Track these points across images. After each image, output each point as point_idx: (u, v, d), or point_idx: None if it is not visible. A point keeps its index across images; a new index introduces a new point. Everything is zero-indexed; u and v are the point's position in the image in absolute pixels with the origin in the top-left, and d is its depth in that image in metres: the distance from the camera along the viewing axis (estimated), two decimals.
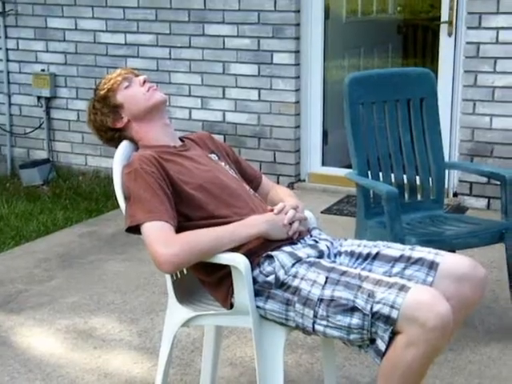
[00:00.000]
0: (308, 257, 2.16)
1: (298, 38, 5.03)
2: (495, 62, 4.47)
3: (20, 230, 4.51)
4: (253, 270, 2.12)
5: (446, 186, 4.58)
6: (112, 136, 2.44)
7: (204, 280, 2.27)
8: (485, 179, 4.51)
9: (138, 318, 3.27)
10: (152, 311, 3.32)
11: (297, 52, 5.05)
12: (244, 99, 5.21)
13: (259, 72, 5.13)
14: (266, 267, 2.13)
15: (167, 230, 2.11)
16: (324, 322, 2.02)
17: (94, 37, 5.57)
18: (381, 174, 3.25)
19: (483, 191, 4.63)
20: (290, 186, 5.22)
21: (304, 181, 5.30)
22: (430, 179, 3.34)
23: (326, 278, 2.05)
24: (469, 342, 2.99)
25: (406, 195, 3.32)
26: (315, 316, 2.03)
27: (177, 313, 2.28)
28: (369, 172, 3.21)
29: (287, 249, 2.18)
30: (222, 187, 2.29)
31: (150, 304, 3.39)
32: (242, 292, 2.08)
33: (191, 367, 2.83)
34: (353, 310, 1.97)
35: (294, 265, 2.12)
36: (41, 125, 5.87)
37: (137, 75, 2.43)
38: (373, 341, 1.98)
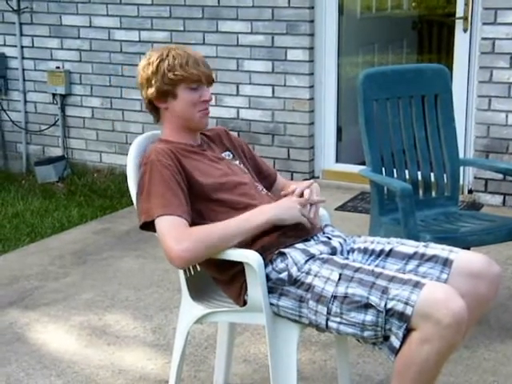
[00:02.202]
0: (321, 253, 2.16)
1: (312, 35, 5.02)
2: (511, 58, 4.44)
3: (35, 226, 4.54)
4: (266, 266, 2.12)
5: (461, 182, 4.54)
6: (147, 102, 2.36)
7: (217, 278, 2.27)
8: (500, 176, 4.48)
9: (152, 315, 3.28)
10: (166, 308, 3.33)
11: (311, 48, 5.04)
12: (258, 96, 5.21)
13: (273, 69, 5.13)
14: (279, 264, 2.13)
15: (180, 224, 2.11)
16: (337, 319, 2.02)
17: (108, 34, 5.58)
18: (395, 170, 3.23)
19: (499, 188, 4.60)
20: None
21: (318, 178, 5.29)
22: (445, 176, 3.32)
23: (340, 274, 2.04)
24: (484, 339, 2.97)
25: (421, 192, 3.30)
26: (329, 313, 2.03)
27: (190, 310, 2.28)
28: (383, 169, 3.20)
29: (300, 246, 2.17)
30: (236, 187, 2.29)
31: (164, 301, 3.40)
32: (256, 289, 2.08)
33: (205, 364, 2.84)
34: (367, 306, 1.96)
35: (306, 261, 2.12)
36: (56, 122, 5.89)
37: (210, 84, 2.35)
38: (387, 338, 1.97)
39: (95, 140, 5.78)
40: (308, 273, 2.09)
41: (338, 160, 5.31)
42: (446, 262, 2.13)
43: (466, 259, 2.13)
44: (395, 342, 1.95)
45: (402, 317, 1.92)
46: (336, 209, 4.66)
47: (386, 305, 1.94)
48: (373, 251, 2.24)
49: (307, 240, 2.22)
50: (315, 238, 2.25)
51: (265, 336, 2.15)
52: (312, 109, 5.16)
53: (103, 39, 5.61)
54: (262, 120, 5.24)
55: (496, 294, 2.15)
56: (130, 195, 2.31)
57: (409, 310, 1.90)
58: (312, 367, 2.80)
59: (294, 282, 2.10)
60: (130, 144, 2.42)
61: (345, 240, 2.30)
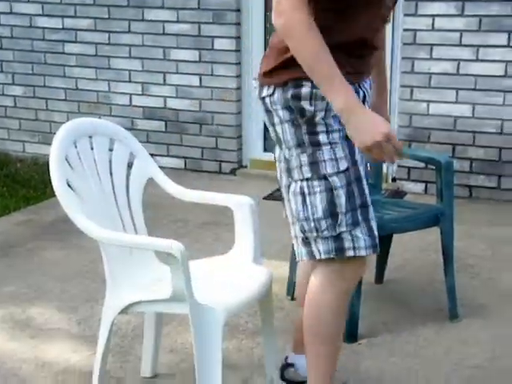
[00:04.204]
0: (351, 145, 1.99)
1: (238, 24, 5.03)
2: (431, 49, 4.55)
3: None
4: (308, 82, 1.96)
5: (385, 171, 4.65)
6: None
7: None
8: (422, 164, 4.60)
9: (78, 306, 3.23)
10: (91, 299, 3.29)
11: (238, 38, 5.04)
12: (185, 85, 5.19)
13: (200, 58, 5.11)
14: (319, 101, 1.98)
15: None
16: (306, 190, 2.03)
17: (30, 21, 5.45)
18: None
19: (421, 176, 4.72)
20: (233, 172, 5.23)
21: (246, 167, 5.31)
22: (368, 164, 3.37)
23: (347, 168, 2.01)
24: (405, 323, 3.05)
25: None
26: (306, 180, 2.03)
27: (115, 300, 2.26)
28: None
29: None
30: None
31: (90, 292, 3.36)
32: (179, 279, 2.07)
33: (131, 354, 2.82)
34: (333, 214, 2.01)
35: (337, 123, 1.99)
36: None
37: None
38: (309, 244, 2.08)
39: (18, 129, 5.64)
40: (328, 131, 2.01)
41: (266, 149, 5.33)
42: None
43: None
44: (316, 253, 2.07)
45: (339, 250, 2.04)
46: (264, 198, 4.69)
47: (344, 230, 2.02)
48: None
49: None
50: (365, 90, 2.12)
51: None
52: (239, 98, 5.17)
53: (25, 26, 5.48)
54: (189, 109, 5.22)
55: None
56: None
57: (349, 253, 2.03)
58: (239, 355, 2.82)
59: (309, 122, 2.00)
60: (54, 133, 2.37)
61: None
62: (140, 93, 5.31)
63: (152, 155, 2.66)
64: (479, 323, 3.07)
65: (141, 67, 5.26)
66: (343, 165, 2.00)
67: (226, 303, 2.17)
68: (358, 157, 2.04)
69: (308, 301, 2.18)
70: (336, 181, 2.00)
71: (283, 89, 2.02)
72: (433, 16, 4.50)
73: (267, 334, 2.53)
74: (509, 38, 4.38)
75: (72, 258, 3.79)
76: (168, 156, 5.31)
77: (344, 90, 1.86)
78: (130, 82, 5.31)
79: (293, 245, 2.18)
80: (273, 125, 2.09)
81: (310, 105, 1.99)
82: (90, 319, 3.10)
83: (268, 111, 2.08)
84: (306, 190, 2.03)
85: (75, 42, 5.37)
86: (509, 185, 4.59)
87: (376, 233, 2.09)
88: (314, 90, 1.97)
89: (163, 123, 5.30)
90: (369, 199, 2.07)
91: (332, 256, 2.05)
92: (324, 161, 2.00)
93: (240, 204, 2.49)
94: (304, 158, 2.02)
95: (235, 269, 2.45)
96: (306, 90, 1.99)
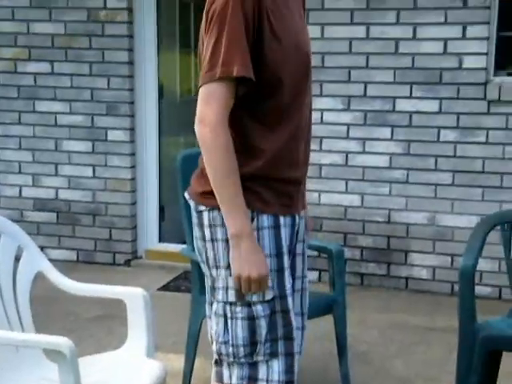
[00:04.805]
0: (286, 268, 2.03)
1: (132, 116, 5.07)
2: (321, 141, 4.72)
3: None
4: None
5: None
6: None
7: None
8: (315, 253, 4.67)
9: None
10: None
11: (131, 129, 5.07)
12: (78, 176, 5.13)
13: (93, 149, 5.09)
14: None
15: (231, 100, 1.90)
16: (228, 314, 1.98)
17: None
18: None
19: (314, 264, 4.78)
20: (127, 263, 5.15)
21: (141, 258, 5.24)
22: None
23: (273, 298, 1.98)
24: None
25: None
26: (230, 303, 1.98)
27: None
28: None
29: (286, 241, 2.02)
30: (307, 62, 2.07)
31: None
32: (68, 379, 1.98)
33: None
34: (252, 342, 1.96)
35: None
36: None
37: None
38: (221, 366, 2.01)
39: None
40: None
41: (161, 239, 5.31)
42: None
43: None
44: (226, 377, 1.99)
45: (250, 379, 1.96)
46: (159, 289, 4.63)
47: (258, 360, 1.96)
48: None
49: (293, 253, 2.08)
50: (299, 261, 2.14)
51: None
52: (134, 189, 5.15)
53: None
54: (82, 200, 5.15)
55: None
56: None
57: None
58: None
59: None
60: None
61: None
62: (30, 184, 5.21)
63: (42, 248, 2.60)
64: None
65: (32, 158, 5.18)
66: (269, 294, 1.97)
67: None
68: (288, 288, 2.01)
69: None
70: (259, 309, 1.96)
71: None
72: (321, 110, 4.69)
73: None
74: (392, 131, 4.61)
75: None
76: (59, 248, 5.18)
77: (241, 217, 1.90)
78: (19, 173, 5.21)
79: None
80: (204, 240, 2.03)
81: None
82: None
83: (202, 226, 2.02)
84: (228, 314, 1.98)
85: None
86: (398, 272, 4.73)
87: (296, 369, 2.04)
88: (255, 213, 1.96)
89: (55, 214, 5.19)
90: (295, 333, 2.02)
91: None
92: None
93: (133, 296, 2.45)
94: (231, 282, 1.97)
95: (127, 364, 2.38)
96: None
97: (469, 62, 4.41)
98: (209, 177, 1.93)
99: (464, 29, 4.38)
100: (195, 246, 2.09)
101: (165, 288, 4.69)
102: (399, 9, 4.47)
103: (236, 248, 1.91)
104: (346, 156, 4.71)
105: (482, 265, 4.02)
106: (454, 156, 4.52)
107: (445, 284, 4.62)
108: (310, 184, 4.68)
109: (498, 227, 2.90)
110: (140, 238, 5.26)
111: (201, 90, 1.91)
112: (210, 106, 1.88)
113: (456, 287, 4.43)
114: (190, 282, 4.68)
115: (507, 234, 2.89)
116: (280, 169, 2.00)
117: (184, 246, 3.36)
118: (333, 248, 3.26)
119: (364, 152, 4.67)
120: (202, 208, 2.01)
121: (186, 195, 2.11)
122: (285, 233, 2.00)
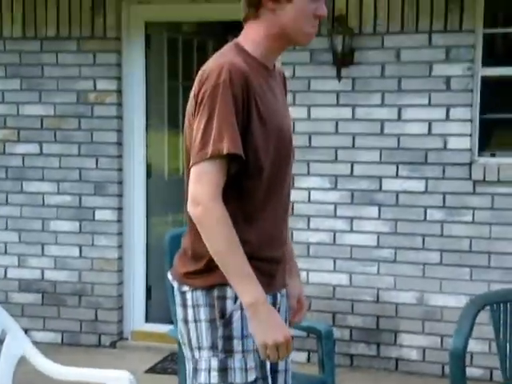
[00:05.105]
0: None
1: (120, 196, 5.08)
2: (308, 220, 4.73)
3: None
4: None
5: None
6: (248, 5, 2.03)
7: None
8: (304, 333, 4.62)
9: None
10: None
11: (119, 209, 5.07)
12: (64, 256, 5.10)
13: (81, 229, 5.07)
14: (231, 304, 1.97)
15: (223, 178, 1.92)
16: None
17: None
18: None
19: (303, 345, 4.72)
20: (112, 345, 5.06)
21: (127, 339, 5.16)
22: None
23: (256, 379, 1.95)
24: None
25: None
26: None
27: None
28: None
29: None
30: (289, 147, 2.08)
31: None
32: None
33: None
34: None
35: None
36: None
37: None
38: None
39: None
40: (243, 337, 1.96)
41: (147, 319, 5.24)
42: None
43: None
44: None
45: None
46: (146, 371, 4.54)
47: None
48: None
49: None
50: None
51: None
52: (120, 268, 5.11)
53: None
54: (68, 281, 5.10)
55: None
56: None
57: None
58: None
59: (227, 325, 1.96)
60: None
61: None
62: (16, 265, 5.17)
63: (26, 330, 2.57)
64: None
65: (18, 239, 5.15)
66: (252, 375, 1.96)
67: None
68: (268, 369, 2.00)
69: None
70: None
71: (207, 289, 1.99)
72: (309, 189, 4.72)
73: None
74: (379, 210, 4.63)
75: None
76: (44, 330, 5.09)
77: (254, 285, 1.89)
78: (5, 254, 5.17)
79: None
80: (187, 321, 2.02)
81: (234, 303, 1.96)
82: None
83: (185, 306, 2.02)
84: None
85: None
86: (387, 353, 4.67)
87: None
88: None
89: (40, 295, 5.13)
90: None
91: None
92: (234, 369, 1.96)
93: (118, 380, 2.41)
94: (214, 363, 1.96)
95: None
96: (231, 291, 1.96)
97: (453, 142, 4.48)
98: (211, 253, 1.92)
99: (447, 111, 4.47)
100: (178, 327, 2.07)
101: (152, 370, 4.60)
102: (384, 91, 4.57)
103: (254, 317, 1.89)
104: (334, 235, 4.72)
105: (472, 346, 3.98)
106: (441, 235, 4.54)
107: (435, 365, 4.56)
108: (298, 263, 4.71)
109: (488, 307, 2.89)
110: (126, 319, 5.19)
111: (192, 170, 1.92)
112: (202, 185, 1.89)
113: (447, 368, 4.37)
114: (176, 363, 4.60)
115: (497, 314, 2.88)
116: (262, 248, 2.02)
117: (171, 326, 3.32)
118: (322, 329, 3.23)
119: (352, 231, 4.68)
120: (186, 288, 2.01)
121: (169, 276, 2.10)
122: None
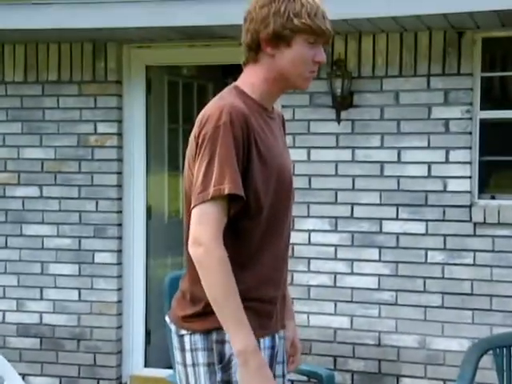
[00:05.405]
0: None
1: (120, 238, 5.06)
2: (309, 262, 4.71)
3: None
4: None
5: None
6: (253, 38, 2.03)
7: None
8: (305, 378, 4.56)
9: None
10: None
11: (119, 251, 5.06)
12: (63, 300, 5.06)
13: (80, 272, 5.05)
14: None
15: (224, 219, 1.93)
16: None
17: None
18: None
19: None
20: None
21: None
22: None
23: None
24: None
25: None
26: None
27: None
28: None
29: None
30: (289, 188, 2.09)
31: None
32: None
33: None
34: None
35: None
36: None
37: (326, 44, 2.08)
38: None
39: None
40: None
41: (146, 364, 5.18)
42: None
43: None
44: None
45: None
46: None
47: None
48: None
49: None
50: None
51: None
52: (120, 312, 5.07)
53: None
54: (67, 325, 5.05)
55: None
56: None
57: None
58: None
59: (225, 369, 1.95)
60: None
61: None
62: (14, 309, 5.13)
63: (24, 376, 2.53)
64: None
65: (17, 283, 5.12)
66: None
67: None
68: None
69: None
70: None
71: (206, 333, 1.97)
72: (309, 231, 4.71)
73: None
74: (380, 252, 4.61)
75: None
76: (42, 375, 5.01)
77: (246, 333, 1.88)
78: (4, 298, 5.14)
79: None
80: (184, 365, 2.00)
81: (231, 348, 1.94)
82: None
83: (183, 350, 2.00)
84: None
85: None
86: None
87: None
88: None
89: (38, 340, 5.07)
90: None
91: None
92: None
93: None
94: None
95: None
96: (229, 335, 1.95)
97: (453, 185, 4.48)
98: (207, 295, 1.91)
99: (447, 153, 4.48)
100: (176, 370, 2.04)
101: None
102: (383, 133, 4.58)
103: (244, 365, 1.88)
104: (335, 277, 4.69)
105: None
106: (443, 277, 4.51)
107: None
108: (298, 305, 4.69)
109: (490, 352, 2.86)
110: (125, 363, 5.13)
111: (194, 211, 1.93)
112: (204, 226, 1.90)
113: None
114: None
115: (500, 359, 2.84)
116: (260, 289, 2.01)
117: (170, 371, 3.28)
118: (323, 373, 3.20)
119: (352, 273, 4.65)
120: (184, 332, 1.99)
121: (167, 319, 2.09)
122: (264, 356, 1.97)
